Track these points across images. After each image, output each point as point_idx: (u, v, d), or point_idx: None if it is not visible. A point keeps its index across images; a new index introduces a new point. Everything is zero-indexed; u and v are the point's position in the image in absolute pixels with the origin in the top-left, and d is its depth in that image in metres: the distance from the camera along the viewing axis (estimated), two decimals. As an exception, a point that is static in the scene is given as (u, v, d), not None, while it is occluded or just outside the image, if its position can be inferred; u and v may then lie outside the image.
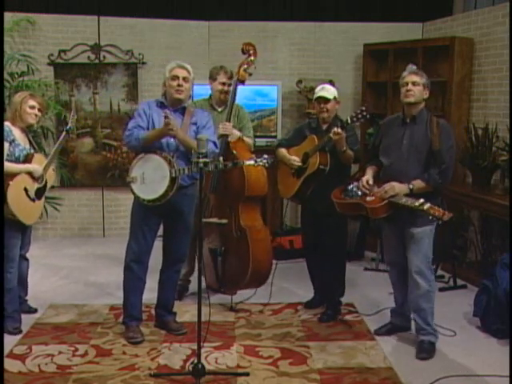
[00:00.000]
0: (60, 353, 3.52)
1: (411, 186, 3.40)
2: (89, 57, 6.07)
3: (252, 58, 4.20)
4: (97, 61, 6.09)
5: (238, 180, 4.03)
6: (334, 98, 3.95)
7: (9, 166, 3.59)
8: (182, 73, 3.57)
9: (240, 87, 4.22)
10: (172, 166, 3.46)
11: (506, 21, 4.88)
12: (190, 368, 3.19)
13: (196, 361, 3.15)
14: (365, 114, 3.72)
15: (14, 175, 3.61)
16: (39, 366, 3.36)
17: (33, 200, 3.74)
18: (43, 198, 3.89)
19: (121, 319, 3.88)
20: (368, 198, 3.51)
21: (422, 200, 3.26)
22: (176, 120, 3.55)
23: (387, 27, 6.24)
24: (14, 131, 3.69)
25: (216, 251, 4.23)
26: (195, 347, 3.18)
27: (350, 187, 3.66)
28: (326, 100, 3.91)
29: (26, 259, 4.02)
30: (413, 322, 3.74)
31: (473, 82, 5.36)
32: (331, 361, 3.47)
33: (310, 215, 4.12)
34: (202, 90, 4.75)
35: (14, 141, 3.67)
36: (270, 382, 3.23)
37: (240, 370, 3.34)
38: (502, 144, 4.80)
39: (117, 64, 6.09)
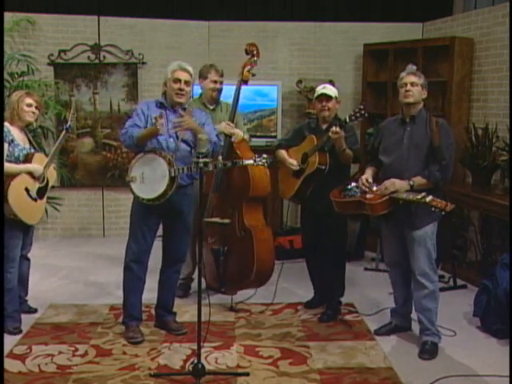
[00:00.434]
0: (60, 353, 3.52)
1: (411, 183, 3.41)
2: (89, 57, 6.07)
3: (255, 58, 4.21)
4: (97, 61, 6.09)
5: (243, 180, 4.04)
6: (335, 97, 3.95)
7: (9, 166, 3.58)
8: (184, 76, 3.55)
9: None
10: (171, 165, 3.46)
11: (506, 21, 4.88)
12: (190, 368, 3.19)
13: (196, 361, 3.15)
14: (363, 112, 3.72)
15: (14, 175, 3.61)
16: (39, 366, 3.36)
17: (34, 200, 3.74)
18: (45, 198, 3.89)
19: (121, 319, 3.87)
20: (368, 196, 3.51)
21: (423, 193, 3.27)
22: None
23: (387, 27, 6.24)
24: (12, 131, 3.69)
25: (218, 251, 4.23)
26: (195, 347, 3.18)
27: (349, 187, 3.66)
28: (327, 98, 3.91)
29: (28, 259, 4.02)
30: (415, 323, 3.74)
31: (473, 82, 5.36)
32: (331, 361, 3.47)
33: (310, 215, 4.12)
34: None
35: (12, 141, 3.67)
36: (270, 381, 3.23)
37: (240, 370, 3.34)
38: (502, 144, 4.80)
39: (117, 64, 6.09)
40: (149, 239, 3.69)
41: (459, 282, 4.81)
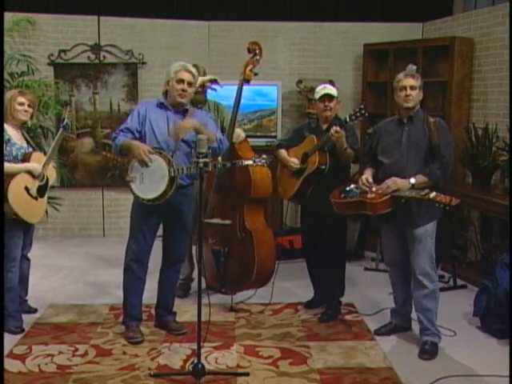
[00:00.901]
0: (60, 353, 3.52)
1: (413, 181, 3.42)
2: (89, 57, 6.07)
3: (258, 57, 4.16)
4: (97, 61, 6.09)
5: (244, 181, 4.03)
6: (336, 97, 3.95)
7: (7, 166, 3.58)
8: (187, 77, 3.55)
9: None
10: (171, 165, 3.46)
11: (506, 21, 4.88)
12: (190, 368, 3.19)
13: (196, 361, 3.15)
14: (363, 112, 3.72)
15: (13, 175, 3.61)
16: (39, 366, 3.36)
17: (35, 198, 3.74)
18: (46, 196, 3.88)
19: (121, 319, 3.88)
20: (369, 195, 3.51)
21: (427, 190, 3.28)
22: (176, 122, 3.57)
23: (387, 27, 6.24)
24: (8, 130, 3.69)
25: (219, 252, 4.22)
26: (195, 347, 3.18)
27: (349, 188, 3.65)
28: (330, 98, 3.91)
29: (28, 259, 4.02)
30: (415, 323, 3.74)
31: (473, 81, 5.36)
32: (331, 361, 3.47)
33: (310, 215, 4.12)
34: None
35: (9, 140, 3.66)
36: (270, 381, 3.23)
37: (240, 370, 3.34)
38: (502, 144, 4.80)
39: (117, 64, 6.09)
40: (149, 239, 3.69)
41: (459, 282, 4.81)
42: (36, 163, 3.74)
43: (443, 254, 4.75)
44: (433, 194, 3.23)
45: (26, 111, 3.73)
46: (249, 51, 4.20)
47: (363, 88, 6.08)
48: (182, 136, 3.54)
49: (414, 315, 3.76)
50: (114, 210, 6.34)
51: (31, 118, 3.82)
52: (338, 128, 3.68)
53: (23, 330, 3.79)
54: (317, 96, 3.97)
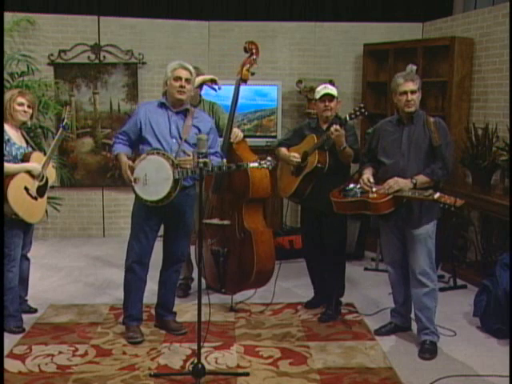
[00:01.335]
0: (60, 353, 3.52)
1: (414, 181, 3.42)
2: (89, 57, 6.07)
3: (255, 56, 4.15)
4: (97, 61, 6.09)
5: (242, 182, 4.03)
6: (337, 97, 3.95)
7: (7, 166, 3.57)
8: (184, 74, 3.56)
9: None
10: (175, 166, 3.45)
11: (506, 21, 4.88)
12: (190, 368, 3.18)
13: (196, 361, 3.15)
14: (363, 111, 3.73)
15: (13, 175, 3.61)
16: (39, 366, 3.36)
17: (35, 198, 3.74)
18: (46, 196, 3.88)
19: (121, 319, 3.88)
20: (370, 195, 3.51)
21: (430, 190, 3.28)
22: (178, 122, 3.58)
23: (387, 27, 6.25)
24: (8, 131, 3.69)
25: (218, 252, 4.22)
26: (195, 347, 3.18)
27: (349, 187, 3.65)
28: (331, 97, 3.91)
29: (28, 259, 4.02)
30: (414, 322, 3.73)
31: (473, 81, 5.36)
32: (331, 361, 3.47)
33: (310, 215, 4.12)
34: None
35: (9, 140, 3.66)
36: (270, 382, 3.23)
37: (240, 370, 3.33)
38: (502, 144, 4.80)
39: (117, 64, 6.09)
40: (151, 240, 3.68)
41: (459, 282, 4.81)
42: (36, 163, 3.74)
43: (443, 254, 4.75)
44: (437, 195, 3.23)
45: (25, 112, 3.73)
46: (245, 51, 4.19)
47: (363, 88, 6.08)
48: (184, 135, 3.54)
49: (413, 315, 3.75)
50: (113, 209, 6.34)
51: (31, 118, 3.82)
52: (337, 126, 3.69)
53: (23, 330, 3.79)
54: (317, 96, 3.96)
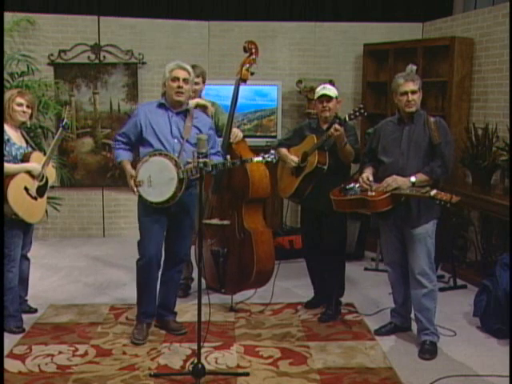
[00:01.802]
0: (60, 353, 3.53)
1: (413, 179, 3.42)
2: (89, 57, 6.07)
3: (254, 56, 4.14)
4: (97, 61, 6.09)
5: (242, 182, 4.02)
6: (336, 97, 3.95)
7: (7, 166, 3.57)
8: (182, 74, 3.55)
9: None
10: (179, 167, 3.45)
11: (506, 21, 4.88)
12: (190, 368, 3.18)
13: (196, 361, 3.15)
14: (362, 111, 3.73)
15: (12, 175, 3.61)
16: (39, 366, 3.36)
17: (35, 198, 3.74)
18: (46, 196, 3.88)
19: (121, 319, 3.88)
20: (369, 193, 3.51)
21: (427, 188, 3.29)
22: (179, 122, 3.58)
23: (387, 27, 6.25)
24: (7, 131, 3.69)
25: (218, 253, 4.22)
26: (195, 347, 3.18)
27: (349, 186, 3.66)
28: (328, 98, 3.91)
29: (28, 259, 4.02)
30: (414, 322, 3.73)
31: (473, 81, 5.36)
32: (331, 361, 3.47)
33: (310, 215, 4.12)
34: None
35: (8, 140, 3.66)
36: (270, 382, 3.23)
37: (240, 370, 3.33)
38: (502, 144, 4.80)
39: (117, 64, 6.09)
40: (161, 238, 3.67)
41: (459, 282, 4.81)
42: (35, 163, 3.74)
43: (443, 254, 4.75)
44: (433, 192, 3.24)
45: (24, 112, 3.73)
46: (245, 50, 4.17)
47: (363, 88, 6.08)
48: (186, 135, 3.54)
49: (413, 315, 3.75)
50: (114, 209, 6.33)
51: (30, 118, 3.81)
52: (337, 126, 3.69)
53: (23, 330, 3.79)
54: (315, 96, 3.98)
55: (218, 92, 4.42)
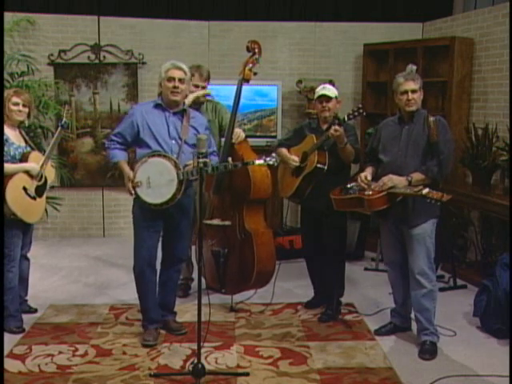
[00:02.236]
0: (60, 353, 3.52)
1: (410, 178, 3.42)
2: (89, 57, 6.07)
3: (257, 56, 4.10)
4: (97, 61, 6.09)
5: (244, 182, 4.02)
6: (336, 97, 3.95)
7: (5, 166, 3.57)
8: (177, 74, 3.52)
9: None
10: (178, 168, 3.44)
11: (506, 21, 4.88)
12: (190, 368, 3.18)
13: (196, 361, 3.15)
14: (361, 111, 3.73)
15: (11, 175, 3.60)
16: (39, 366, 3.36)
17: (33, 198, 3.74)
18: (45, 196, 3.88)
19: (121, 319, 3.89)
20: (366, 192, 3.52)
21: (420, 186, 3.29)
22: (176, 123, 3.57)
23: (387, 27, 6.25)
24: (6, 131, 3.68)
25: (219, 253, 4.21)
26: (195, 347, 3.18)
27: (349, 186, 3.66)
28: (328, 98, 3.91)
29: (27, 259, 4.02)
30: (414, 322, 3.73)
31: (473, 82, 5.36)
32: (331, 361, 3.47)
33: (310, 215, 4.12)
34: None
35: (7, 140, 3.66)
36: (270, 382, 3.23)
37: (240, 370, 3.33)
38: (502, 144, 4.80)
39: (117, 64, 6.09)
40: (156, 242, 3.66)
41: (459, 282, 4.81)
42: (34, 163, 3.73)
43: (443, 254, 4.75)
44: (425, 191, 3.24)
45: (20, 111, 3.72)
46: (248, 50, 4.14)
47: (363, 88, 6.08)
48: (184, 136, 3.54)
49: (413, 316, 3.75)
50: (113, 209, 6.34)
51: (28, 117, 3.80)
52: (337, 127, 3.69)
53: (23, 330, 3.80)
54: (315, 97, 3.98)
55: (218, 92, 4.42)
